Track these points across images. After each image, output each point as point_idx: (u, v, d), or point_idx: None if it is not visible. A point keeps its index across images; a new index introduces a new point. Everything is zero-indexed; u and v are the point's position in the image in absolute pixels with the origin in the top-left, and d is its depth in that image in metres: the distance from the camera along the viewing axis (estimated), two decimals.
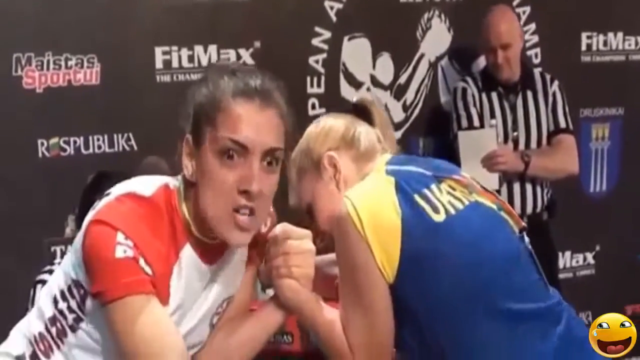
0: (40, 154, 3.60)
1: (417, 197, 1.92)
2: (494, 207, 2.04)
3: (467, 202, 1.98)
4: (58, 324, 1.86)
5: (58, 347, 1.86)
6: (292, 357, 2.35)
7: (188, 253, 1.84)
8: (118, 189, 1.83)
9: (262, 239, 1.97)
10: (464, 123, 4.00)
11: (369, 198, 1.92)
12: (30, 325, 1.92)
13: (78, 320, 1.83)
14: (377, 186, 1.96)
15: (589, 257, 4.67)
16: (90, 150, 3.67)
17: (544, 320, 1.93)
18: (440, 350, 1.91)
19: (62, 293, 1.85)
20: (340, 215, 1.92)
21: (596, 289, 4.41)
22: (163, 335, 1.74)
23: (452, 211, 1.93)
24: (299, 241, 1.93)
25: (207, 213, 1.79)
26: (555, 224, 4.07)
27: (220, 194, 1.77)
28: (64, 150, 3.63)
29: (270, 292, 2.26)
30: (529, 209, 4.02)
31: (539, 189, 4.03)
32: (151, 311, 1.73)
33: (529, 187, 3.99)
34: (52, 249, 3.62)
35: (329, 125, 2.12)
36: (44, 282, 2.91)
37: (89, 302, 1.80)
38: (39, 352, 1.88)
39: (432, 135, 4.28)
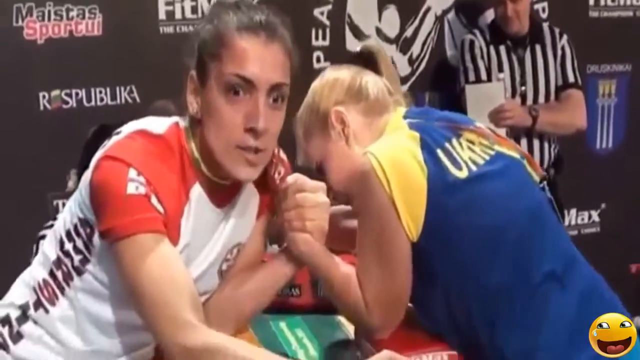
0: (41, 107, 3.57)
1: (440, 153, 1.88)
2: (518, 156, 2.01)
3: (487, 157, 1.94)
4: (63, 267, 1.82)
5: (63, 292, 1.83)
6: (300, 310, 2.33)
7: (198, 192, 1.80)
8: (129, 127, 1.79)
9: (275, 188, 1.94)
10: (471, 76, 3.95)
11: (394, 155, 1.87)
12: (33, 272, 1.89)
13: (84, 261, 1.80)
14: (402, 142, 1.90)
15: (594, 215, 4.65)
16: (93, 103, 3.63)
17: (565, 273, 1.91)
18: (465, 309, 1.89)
19: (68, 233, 1.81)
20: (363, 171, 1.87)
21: (601, 247, 4.38)
22: (172, 275, 1.69)
23: (474, 167, 1.90)
24: (313, 194, 1.89)
25: (214, 149, 1.76)
26: (561, 181, 4.04)
27: (226, 130, 1.74)
28: (66, 102, 3.60)
29: (275, 247, 2.24)
30: None
31: (546, 145, 3.99)
32: (161, 250, 1.69)
33: (536, 143, 3.95)
34: (55, 202, 3.59)
35: (333, 77, 2.06)
36: (46, 237, 2.89)
37: (96, 241, 1.76)
38: (43, 299, 1.85)
39: (438, 89, 4.23)
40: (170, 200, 1.72)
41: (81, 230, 1.79)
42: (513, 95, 3.95)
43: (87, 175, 1.76)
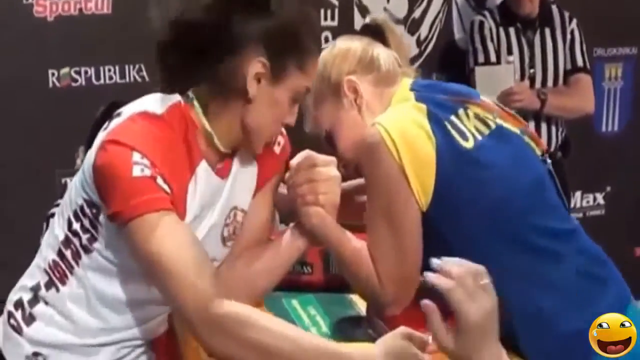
0: (50, 84, 3.56)
1: (447, 124, 1.90)
2: (518, 131, 2.04)
3: (492, 127, 1.97)
4: (72, 246, 1.84)
5: (72, 271, 1.85)
6: (312, 287, 2.34)
7: (204, 168, 1.82)
8: (129, 109, 1.79)
9: (278, 161, 1.99)
10: (481, 58, 3.94)
11: (403, 125, 1.89)
12: (43, 253, 1.91)
13: (92, 240, 1.81)
14: (409, 113, 1.93)
15: (599, 197, 4.66)
16: (102, 81, 3.63)
17: (567, 241, 1.95)
18: None
19: (75, 213, 1.83)
20: (372, 142, 1.89)
21: (606, 229, 4.38)
22: (187, 248, 1.69)
23: (479, 137, 1.93)
24: (325, 168, 1.91)
25: (257, 129, 1.82)
26: (566, 164, 4.04)
27: (276, 125, 1.85)
28: (75, 80, 3.59)
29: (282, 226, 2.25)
30: None
31: (553, 128, 3.98)
32: (172, 226, 1.69)
33: (543, 126, 3.94)
34: (63, 180, 3.59)
35: (345, 47, 2.08)
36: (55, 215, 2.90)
37: (102, 221, 1.78)
38: (54, 279, 1.87)
39: (446, 70, 4.22)
40: (176, 179, 1.73)
41: (87, 211, 1.80)
42: (522, 77, 3.94)
43: (89, 157, 1.77)
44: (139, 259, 1.71)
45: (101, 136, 1.76)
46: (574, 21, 4.03)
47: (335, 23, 3.99)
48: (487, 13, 4.05)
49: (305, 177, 1.91)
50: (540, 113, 3.91)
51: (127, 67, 3.65)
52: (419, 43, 4.18)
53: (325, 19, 3.98)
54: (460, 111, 1.96)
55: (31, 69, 3.51)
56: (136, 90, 3.52)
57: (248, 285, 1.95)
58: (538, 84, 3.96)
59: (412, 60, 4.10)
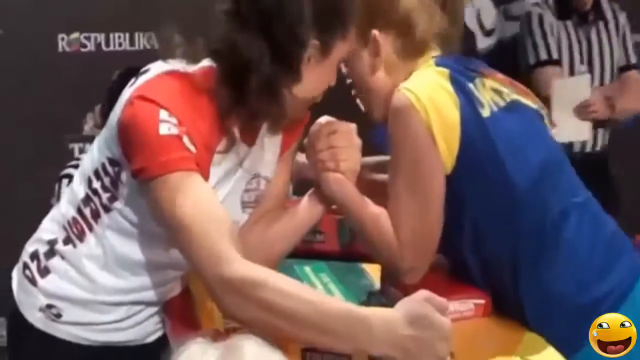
0: (60, 49, 3.55)
1: (468, 90, 1.90)
2: (533, 105, 2.04)
3: (508, 99, 1.97)
4: (92, 204, 1.83)
5: (91, 228, 1.84)
6: (324, 256, 2.34)
7: (233, 133, 1.80)
8: (158, 67, 1.77)
9: (300, 128, 1.97)
10: (543, 55, 3.77)
11: (430, 89, 1.87)
12: (62, 209, 1.90)
13: (112, 199, 1.80)
14: (433, 77, 1.90)
15: None
16: (111, 47, 3.62)
17: (586, 211, 1.97)
18: (491, 245, 1.92)
19: (96, 171, 1.82)
20: (400, 107, 1.87)
21: None
22: (209, 209, 1.67)
23: (495, 108, 1.92)
24: (346, 134, 1.91)
25: (303, 100, 1.82)
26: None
27: (321, 90, 1.84)
28: (84, 46, 3.59)
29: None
30: (589, 147, 3.89)
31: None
32: (196, 187, 1.68)
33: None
34: (70, 145, 3.59)
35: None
36: (69, 176, 2.90)
37: (124, 179, 1.76)
38: (72, 236, 1.86)
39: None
40: (201, 140, 1.71)
41: (109, 169, 1.79)
42: (571, 74, 3.77)
43: (115, 114, 1.76)
44: (160, 217, 1.70)
45: (128, 92, 1.74)
46: (624, 14, 3.87)
47: None
48: (544, 4, 3.86)
49: (327, 143, 1.91)
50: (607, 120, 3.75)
51: (137, 34, 3.64)
52: None
53: None
54: (477, 80, 1.95)
55: (41, 33, 3.50)
56: (146, 58, 3.55)
57: (264, 249, 1.94)
58: (596, 83, 3.81)
59: None
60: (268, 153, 1.93)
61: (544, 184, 1.92)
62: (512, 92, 2.01)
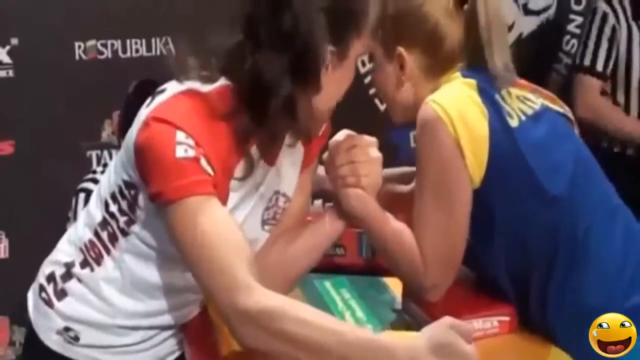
0: (77, 57, 3.54)
1: (496, 100, 1.87)
2: (562, 111, 2.01)
3: (536, 108, 1.94)
4: (109, 228, 1.81)
5: (108, 252, 1.82)
6: (345, 270, 2.32)
7: (253, 152, 1.77)
8: (174, 86, 1.74)
9: (321, 143, 1.94)
10: (587, 61, 3.44)
11: (458, 101, 1.85)
12: (79, 232, 1.88)
13: (130, 222, 1.77)
14: (462, 89, 1.88)
15: None
16: (128, 54, 3.60)
17: (618, 220, 1.93)
18: (521, 257, 1.90)
19: (113, 195, 1.79)
20: (428, 119, 1.84)
21: None
22: (226, 236, 1.64)
23: (523, 117, 1.89)
24: (366, 149, 1.88)
25: (323, 110, 1.78)
26: None
27: (340, 95, 1.80)
28: (101, 53, 3.57)
29: (316, 203, 2.22)
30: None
31: None
32: (214, 212, 1.64)
33: None
34: (88, 153, 3.58)
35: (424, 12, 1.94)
36: (85, 190, 2.89)
37: (141, 203, 1.74)
38: (89, 259, 1.84)
39: None
40: (219, 161, 1.68)
41: (126, 192, 1.76)
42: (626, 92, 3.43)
43: (131, 135, 1.72)
44: (177, 242, 1.67)
45: (144, 113, 1.71)
46: None
47: None
48: (614, 2, 3.48)
49: (346, 158, 1.88)
50: None
51: (153, 40, 3.62)
52: None
53: None
54: (504, 91, 1.92)
55: (58, 41, 3.49)
56: (163, 64, 3.54)
57: (285, 268, 1.92)
58: None
59: None
60: (289, 170, 1.90)
61: (575, 193, 1.89)
62: (539, 98, 1.98)
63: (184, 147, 1.63)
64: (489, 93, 1.86)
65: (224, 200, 1.71)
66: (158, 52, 3.64)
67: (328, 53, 1.69)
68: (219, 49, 1.72)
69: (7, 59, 3.45)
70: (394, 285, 2.14)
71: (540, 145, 1.88)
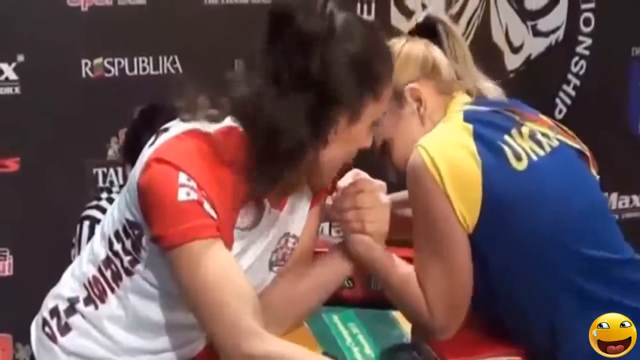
0: (83, 74, 3.52)
1: (497, 145, 1.84)
2: (578, 147, 1.98)
3: (549, 148, 1.90)
4: (112, 266, 1.79)
5: (113, 290, 1.80)
6: (353, 302, 2.30)
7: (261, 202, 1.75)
8: (178, 126, 1.72)
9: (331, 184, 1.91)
10: None
11: (446, 147, 1.83)
12: (83, 268, 1.86)
13: (134, 262, 1.76)
14: (454, 134, 1.87)
15: (636, 200, 4.59)
16: (135, 72, 3.58)
17: (624, 269, 1.88)
18: (520, 303, 1.87)
19: (117, 233, 1.77)
20: (415, 165, 1.83)
21: None
22: (230, 280, 1.64)
23: (534, 157, 1.86)
24: (373, 194, 1.85)
25: (330, 167, 1.75)
26: (603, 165, 3.96)
27: (351, 155, 1.78)
28: (108, 71, 3.54)
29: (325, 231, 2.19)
30: None
31: None
32: (217, 256, 1.63)
33: None
34: (94, 170, 3.56)
35: (405, 52, 1.98)
36: (90, 217, 2.87)
37: (145, 243, 1.72)
38: (93, 296, 1.82)
39: (482, 68, 4.16)
40: (223, 204, 1.66)
41: (130, 232, 1.74)
42: None
43: (134, 175, 1.70)
44: (181, 286, 1.67)
45: (147, 153, 1.69)
46: None
47: (371, 17, 3.92)
48: None
49: (352, 203, 1.86)
50: None
51: (160, 58, 3.60)
52: None
53: (362, 12, 3.91)
54: (514, 129, 1.90)
55: (64, 58, 3.47)
56: (170, 82, 3.53)
57: (292, 305, 1.90)
58: None
59: None
60: (299, 211, 1.88)
61: (584, 237, 1.85)
62: (557, 134, 1.96)
63: (186, 190, 1.61)
64: (486, 138, 1.84)
65: (228, 243, 1.69)
66: (165, 71, 3.61)
67: (343, 108, 1.67)
68: (236, 91, 1.69)
69: (13, 76, 3.43)
70: (403, 320, 2.12)
71: (547, 189, 1.85)
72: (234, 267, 1.66)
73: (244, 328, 1.59)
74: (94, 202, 2.96)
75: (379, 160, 2.04)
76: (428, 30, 2.02)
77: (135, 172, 1.70)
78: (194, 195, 1.61)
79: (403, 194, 2.17)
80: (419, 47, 1.98)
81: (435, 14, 2.08)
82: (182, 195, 1.61)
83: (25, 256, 3.52)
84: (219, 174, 1.66)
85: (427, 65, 1.97)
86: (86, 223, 2.88)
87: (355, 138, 1.74)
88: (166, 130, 1.73)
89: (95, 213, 2.88)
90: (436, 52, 1.98)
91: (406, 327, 2.10)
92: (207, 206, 1.63)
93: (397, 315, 2.19)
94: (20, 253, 3.53)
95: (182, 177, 1.61)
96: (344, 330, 2.16)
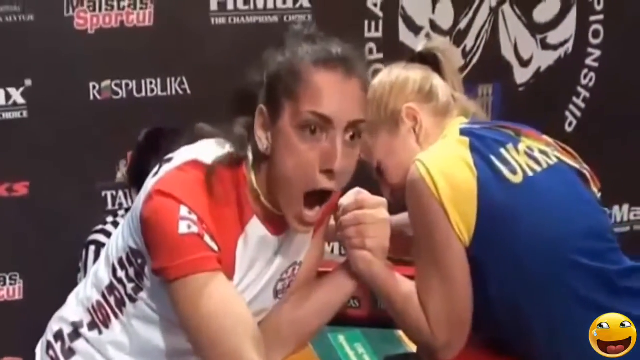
0: (91, 97, 3.53)
1: (493, 158, 1.86)
2: (577, 166, 1.98)
3: (545, 165, 1.91)
4: (116, 293, 1.79)
5: (116, 316, 1.80)
6: (359, 322, 2.29)
7: (255, 225, 1.75)
8: (180, 156, 1.73)
9: (332, 205, 1.89)
10: None
11: (442, 160, 1.86)
12: (87, 292, 1.87)
13: (137, 290, 1.76)
14: (450, 147, 1.90)
15: None
16: (143, 94, 3.59)
17: (625, 279, 1.88)
18: (520, 315, 1.86)
19: (121, 261, 1.78)
20: (412, 179, 1.86)
21: None
22: (231, 313, 1.65)
23: (530, 173, 1.88)
24: (374, 210, 1.84)
25: (281, 191, 1.70)
26: (614, 177, 3.94)
27: (301, 172, 1.67)
28: (116, 93, 3.55)
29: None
30: None
31: None
32: (217, 288, 1.64)
33: None
34: (103, 193, 3.56)
35: (403, 77, 2.03)
36: (96, 242, 2.88)
37: (147, 273, 1.73)
38: (97, 321, 1.83)
39: (492, 82, 4.16)
40: (223, 235, 1.67)
41: (133, 260, 1.75)
42: None
43: (137, 204, 1.71)
44: (181, 319, 1.68)
45: (150, 183, 1.70)
46: None
47: (379, 34, 3.92)
48: None
49: (353, 219, 1.85)
50: None
51: (168, 80, 3.61)
52: (464, 54, 4.10)
53: (370, 30, 3.91)
54: (511, 144, 1.92)
55: (72, 81, 3.48)
56: (177, 104, 3.55)
57: (296, 328, 1.90)
58: None
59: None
60: (300, 239, 1.87)
61: (585, 252, 1.85)
62: (555, 151, 1.97)
63: (187, 223, 1.61)
64: (482, 150, 1.86)
65: (230, 273, 1.70)
66: (173, 92, 3.62)
67: (260, 111, 1.70)
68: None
69: (21, 100, 3.44)
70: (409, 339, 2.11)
71: (543, 205, 1.85)
72: (235, 299, 1.67)
73: (245, 358, 1.60)
74: (100, 227, 2.97)
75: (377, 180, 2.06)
76: (428, 58, 2.07)
77: (139, 202, 1.71)
78: (194, 229, 1.62)
79: (403, 216, 2.18)
80: (417, 72, 2.05)
81: (434, 44, 2.15)
82: (183, 228, 1.61)
83: (35, 280, 3.52)
84: (219, 204, 1.67)
85: (424, 89, 2.03)
86: (92, 248, 2.89)
87: (287, 144, 1.68)
88: (169, 160, 1.74)
89: (100, 237, 2.89)
90: (434, 78, 2.02)
91: (412, 346, 2.09)
92: (207, 239, 1.63)
93: (402, 334, 2.17)
94: (30, 277, 3.54)
95: (184, 210, 1.62)
96: (350, 350, 2.15)
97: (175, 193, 1.64)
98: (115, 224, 2.89)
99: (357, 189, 1.90)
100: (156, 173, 1.72)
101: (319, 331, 1.96)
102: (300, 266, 1.90)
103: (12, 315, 3.48)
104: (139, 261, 1.73)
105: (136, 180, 2.46)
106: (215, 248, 1.65)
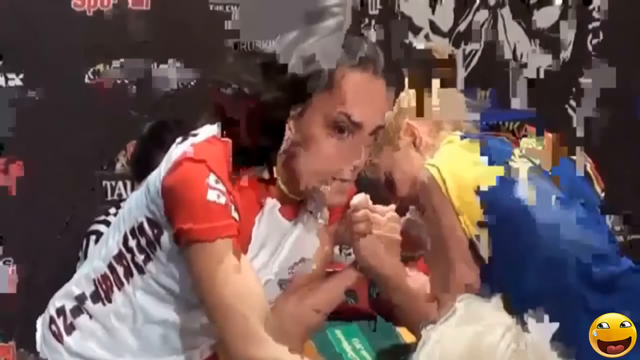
0: (88, 81, 3.53)
1: (498, 159, 1.91)
2: (579, 167, 2.02)
3: (545, 165, 1.94)
4: (124, 262, 1.81)
5: (120, 287, 1.82)
6: (356, 314, 2.31)
7: (271, 205, 1.78)
8: (208, 131, 1.76)
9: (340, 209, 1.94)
10: None
11: (450, 158, 1.92)
12: (94, 263, 1.88)
13: (147, 260, 1.79)
14: (455, 148, 1.96)
15: None
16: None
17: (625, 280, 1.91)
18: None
19: (133, 230, 1.80)
20: (423, 182, 1.90)
21: None
22: (247, 283, 1.69)
23: (530, 173, 1.90)
24: (384, 207, 1.90)
25: (302, 179, 1.74)
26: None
27: (324, 164, 1.72)
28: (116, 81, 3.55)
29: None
30: None
31: None
32: (234, 257, 1.68)
33: None
34: (103, 183, 3.57)
35: (402, 97, 2.09)
36: (97, 232, 2.88)
37: (163, 243, 1.75)
38: (101, 292, 1.85)
39: (491, 84, 4.17)
40: (245, 209, 1.71)
41: (147, 230, 1.77)
42: None
43: (159, 173, 1.74)
44: (196, 283, 1.71)
45: (176, 152, 1.73)
46: None
47: (381, 37, 3.93)
48: None
49: (364, 216, 1.89)
50: None
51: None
52: (464, 57, 4.13)
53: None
54: (513, 149, 1.96)
55: (70, 65, 3.48)
56: (179, 95, 3.53)
57: (299, 324, 1.94)
58: None
59: None
60: (311, 233, 1.90)
61: (585, 252, 1.87)
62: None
63: (216, 192, 1.66)
64: (486, 150, 1.92)
65: (244, 248, 1.73)
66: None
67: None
68: None
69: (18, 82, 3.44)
70: (406, 333, 2.13)
71: (547, 199, 1.88)
72: (250, 271, 1.72)
73: (255, 334, 1.64)
74: (102, 217, 2.98)
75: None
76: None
77: (161, 170, 1.74)
78: (222, 199, 1.67)
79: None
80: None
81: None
82: (211, 195, 1.66)
83: (32, 268, 3.53)
84: (243, 179, 1.72)
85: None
86: (92, 238, 2.90)
87: (311, 137, 1.71)
88: (195, 135, 1.77)
89: (102, 228, 2.89)
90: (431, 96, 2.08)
91: (408, 339, 2.11)
92: (232, 210, 1.68)
93: (401, 331, 2.20)
94: (27, 265, 3.53)
95: (212, 179, 1.67)
96: (347, 345, 2.17)
97: (206, 160, 1.68)
98: None
99: (362, 195, 1.94)
100: (180, 143, 1.75)
101: (320, 325, 1.99)
102: (308, 264, 1.92)
103: (7, 303, 3.47)
104: (155, 231, 1.76)
105: (139, 173, 2.47)
106: (237, 219, 1.69)
